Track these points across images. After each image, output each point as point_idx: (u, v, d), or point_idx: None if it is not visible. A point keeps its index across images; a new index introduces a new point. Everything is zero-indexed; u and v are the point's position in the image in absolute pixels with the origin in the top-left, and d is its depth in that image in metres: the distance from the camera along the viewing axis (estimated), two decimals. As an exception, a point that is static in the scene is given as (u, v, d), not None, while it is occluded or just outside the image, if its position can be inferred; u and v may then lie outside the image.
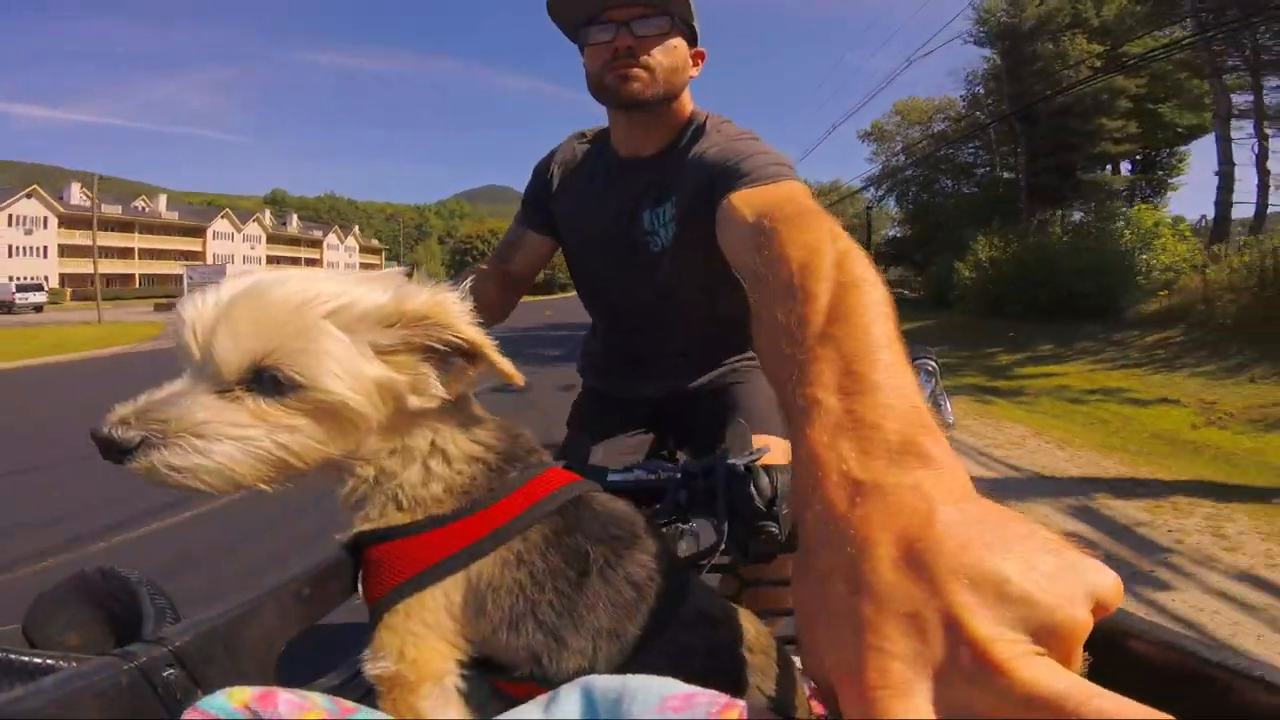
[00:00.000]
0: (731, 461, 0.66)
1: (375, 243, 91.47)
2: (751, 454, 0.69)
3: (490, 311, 0.93)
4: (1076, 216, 20.43)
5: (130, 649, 0.34)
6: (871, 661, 0.25)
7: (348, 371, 0.42)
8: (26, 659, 0.33)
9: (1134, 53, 16.43)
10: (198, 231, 58.35)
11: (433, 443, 0.47)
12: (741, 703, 0.33)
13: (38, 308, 32.38)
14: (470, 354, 0.47)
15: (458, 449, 0.48)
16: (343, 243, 77.92)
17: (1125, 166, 24.41)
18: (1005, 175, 23.58)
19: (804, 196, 0.79)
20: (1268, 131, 16.94)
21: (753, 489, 0.64)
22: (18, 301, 31.94)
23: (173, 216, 56.97)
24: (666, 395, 1.22)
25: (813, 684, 0.51)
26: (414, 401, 0.45)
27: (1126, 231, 14.35)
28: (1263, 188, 15.25)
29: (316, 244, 73.84)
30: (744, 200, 0.83)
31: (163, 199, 58.71)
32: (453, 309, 0.46)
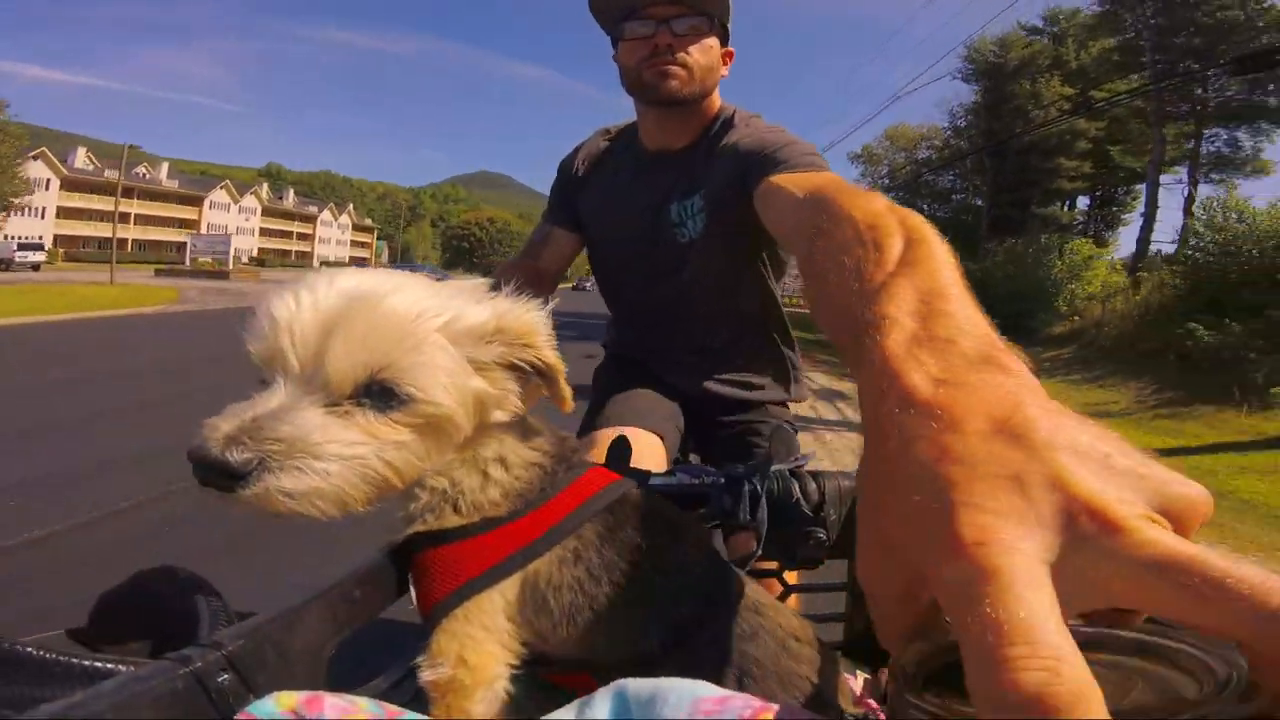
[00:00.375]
0: (777, 467, 0.65)
1: (369, 222, 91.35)
2: (796, 459, 0.70)
3: None
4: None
5: (186, 653, 0.33)
6: (964, 517, 0.22)
7: (455, 385, 0.42)
8: (87, 663, 0.34)
9: (1099, 97, 18.06)
10: (195, 201, 58.79)
11: (497, 452, 0.48)
12: (775, 706, 0.32)
13: (35, 266, 33.08)
14: (544, 374, 0.48)
15: (518, 456, 0.48)
16: (336, 220, 78.41)
17: (1084, 202, 26.28)
18: (978, 203, 25.23)
19: (844, 182, 0.78)
20: (1198, 178, 18.80)
21: (799, 494, 0.63)
22: (17, 260, 32.77)
23: (173, 185, 57.45)
24: (687, 390, 1.21)
25: (858, 689, 0.57)
26: (498, 416, 0.46)
27: (1059, 262, 16.03)
28: (1185, 230, 17.02)
29: (310, 219, 74.47)
30: (788, 180, 0.83)
31: (165, 167, 59.07)
32: (541, 330, 0.47)
